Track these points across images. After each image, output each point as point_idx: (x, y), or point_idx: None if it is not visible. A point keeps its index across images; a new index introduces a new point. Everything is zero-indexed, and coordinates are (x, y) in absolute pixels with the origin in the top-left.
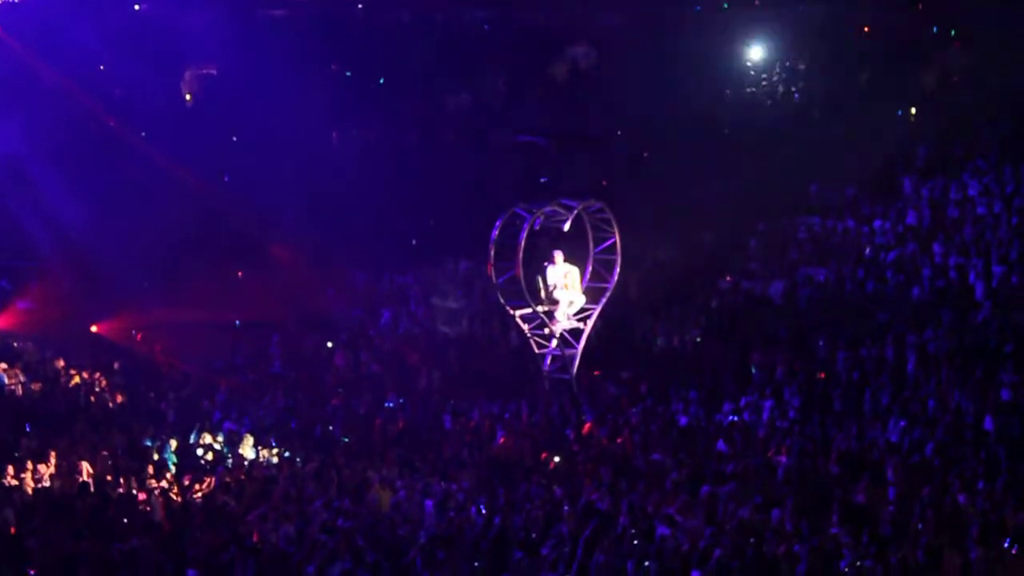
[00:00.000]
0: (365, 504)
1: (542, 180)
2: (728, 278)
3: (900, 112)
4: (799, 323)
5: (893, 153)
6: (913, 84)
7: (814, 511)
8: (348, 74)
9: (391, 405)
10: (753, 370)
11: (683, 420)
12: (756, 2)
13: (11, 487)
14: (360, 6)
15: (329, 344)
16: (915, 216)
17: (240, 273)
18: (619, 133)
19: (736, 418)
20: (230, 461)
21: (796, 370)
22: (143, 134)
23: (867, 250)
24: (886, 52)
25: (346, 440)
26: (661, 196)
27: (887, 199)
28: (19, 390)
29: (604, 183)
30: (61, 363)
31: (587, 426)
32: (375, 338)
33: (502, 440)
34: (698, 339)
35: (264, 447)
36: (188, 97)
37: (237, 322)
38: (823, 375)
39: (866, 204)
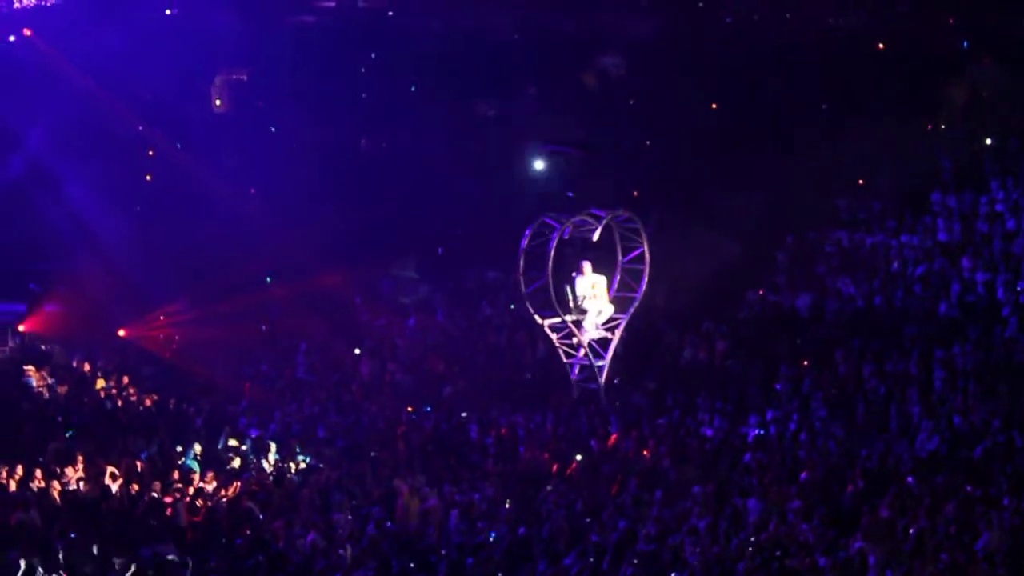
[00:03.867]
0: (392, 512)
1: (569, 195)
2: (760, 292)
3: (929, 126)
4: (826, 337)
5: (922, 167)
6: (943, 98)
7: (839, 525)
8: (362, 70)
9: (416, 417)
10: (779, 384)
11: (709, 432)
12: (787, 15)
13: (38, 490)
14: (391, 13)
15: (356, 351)
16: (943, 231)
17: (268, 279)
18: (648, 143)
19: (762, 431)
20: (255, 467)
21: (822, 384)
22: (172, 139)
23: (895, 264)
24: (916, 66)
25: (373, 454)
26: (690, 207)
27: (915, 214)
28: (46, 393)
29: (635, 194)
30: (88, 367)
31: (613, 438)
32: (401, 346)
33: (527, 451)
34: (725, 352)
35: (290, 454)
36: (218, 103)
37: (263, 328)
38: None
39: (894, 218)
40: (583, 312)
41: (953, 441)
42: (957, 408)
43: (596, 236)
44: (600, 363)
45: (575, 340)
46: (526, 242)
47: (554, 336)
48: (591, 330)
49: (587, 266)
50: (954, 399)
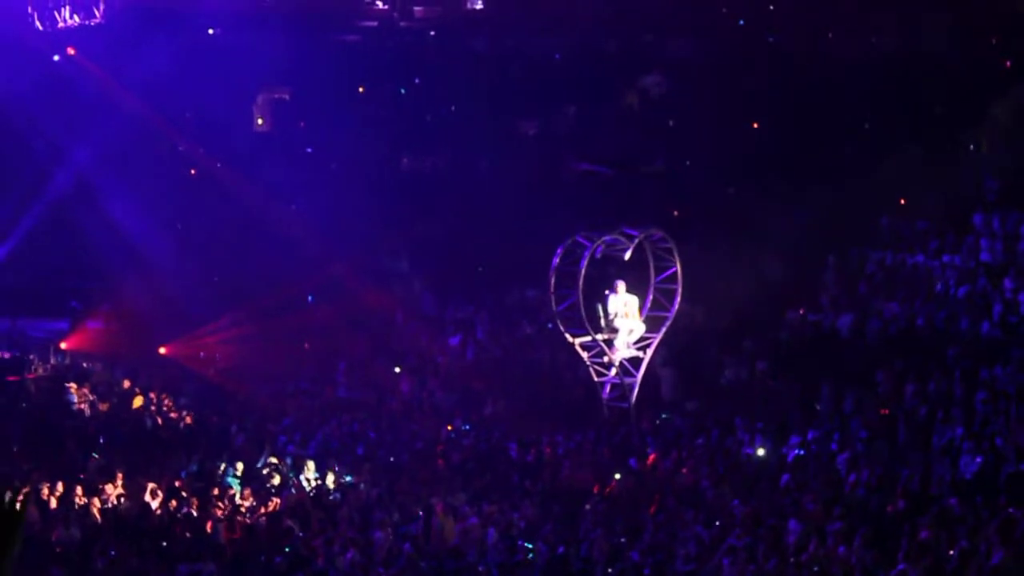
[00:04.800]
0: (430, 531)
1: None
2: (801, 311)
3: (973, 146)
4: (868, 357)
5: (965, 187)
6: (986, 118)
7: (880, 546)
8: (403, 91)
9: (455, 436)
10: (819, 405)
11: (749, 452)
12: (829, 35)
13: (79, 507)
14: (432, 33)
15: (397, 369)
16: (986, 251)
17: (310, 297)
18: (687, 163)
19: (803, 451)
20: (295, 485)
21: (864, 404)
22: (215, 158)
23: (938, 285)
24: (959, 85)
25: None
26: (731, 227)
27: (958, 234)
28: (87, 410)
29: (675, 213)
30: (129, 384)
31: (652, 457)
32: (442, 364)
33: (567, 470)
34: (766, 371)
35: (329, 471)
36: (260, 121)
37: (305, 346)
38: (887, 411)
39: (936, 238)
40: (615, 331)
41: (995, 462)
42: (999, 429)
43: (628, 255)
44: (630, 380)
45: (606, 359)
46: (557, 260)
47: (585, 355)
48: (622, 349)
49: (621, 285)
50: (996, 420)
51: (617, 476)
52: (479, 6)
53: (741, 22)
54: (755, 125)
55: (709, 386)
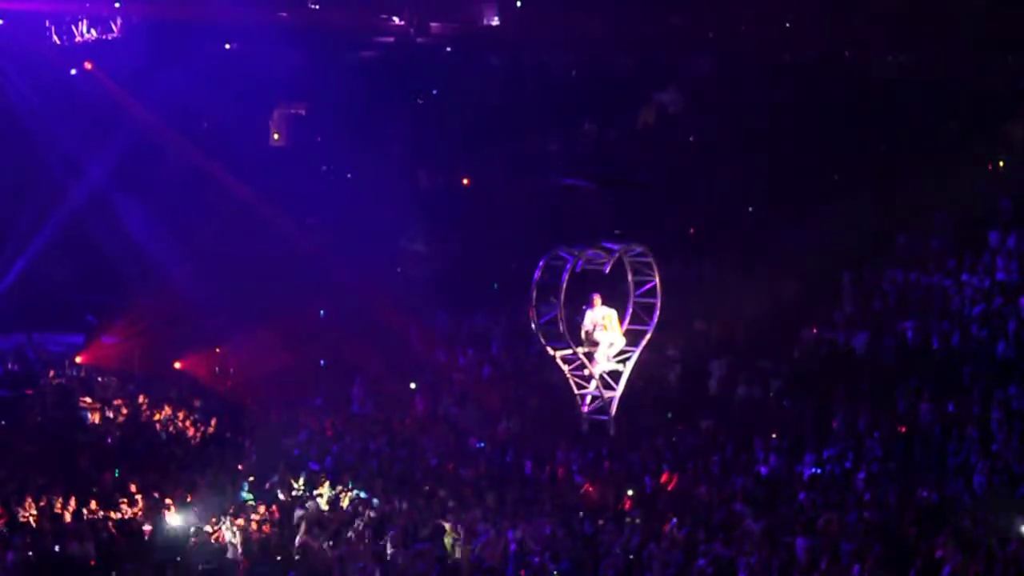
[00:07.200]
0: (443, 547)
1: (616, 232)
2: (816, 329)
3: (988, 165)
4: (883, 375)
5: (981, 206)
6: (1002, 137)
7: (893, 565)
8: (418, 99)
9: (469, 452)
10: (834, 424)
11: (764, 471)
12: (846, 54)
13: (93, 520)
14: (449, 49)
15: (413, 385)
16: (1002, 270)
17: (322, 312)
18: (703, 181)
19: (818, 470)
20: (310, 500)
21: (879, 423)
22: (230, 172)
23: (954, 303)
24: (975, 105)
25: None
26: (746, 245)
27: (974, 252)
28: (102, 424)
29: (691, 231)
30: (144, 398)
31: (666, 475)
32: (456, 381)
33: (582, 487)
34: (780, 389)
35: (343, 487)
36: (276, 136)
37: (322, 362)
38: (903, 428)
39: (952, 257)
40: (595, 344)
41: (1010, 482)
42: (1014, 448)
43: (608, 269)
44: (610, 393)
45: (586, 372)
46: (539, 274)
47: (566, 368)
48: (602, 362)
49: (597, 299)
50: (1011, 440)
51: (630, 493)
52: (495, 22)
53: (758, 42)
54: (772, 143)
55: (724, 404)
